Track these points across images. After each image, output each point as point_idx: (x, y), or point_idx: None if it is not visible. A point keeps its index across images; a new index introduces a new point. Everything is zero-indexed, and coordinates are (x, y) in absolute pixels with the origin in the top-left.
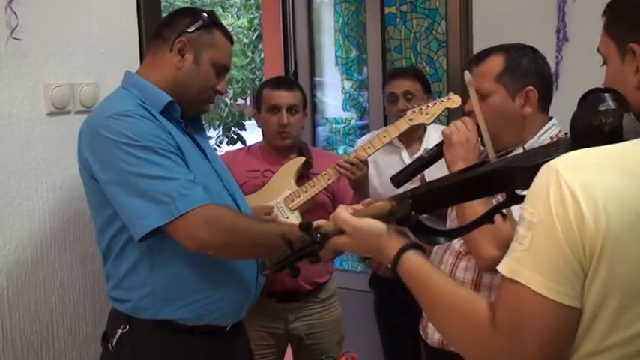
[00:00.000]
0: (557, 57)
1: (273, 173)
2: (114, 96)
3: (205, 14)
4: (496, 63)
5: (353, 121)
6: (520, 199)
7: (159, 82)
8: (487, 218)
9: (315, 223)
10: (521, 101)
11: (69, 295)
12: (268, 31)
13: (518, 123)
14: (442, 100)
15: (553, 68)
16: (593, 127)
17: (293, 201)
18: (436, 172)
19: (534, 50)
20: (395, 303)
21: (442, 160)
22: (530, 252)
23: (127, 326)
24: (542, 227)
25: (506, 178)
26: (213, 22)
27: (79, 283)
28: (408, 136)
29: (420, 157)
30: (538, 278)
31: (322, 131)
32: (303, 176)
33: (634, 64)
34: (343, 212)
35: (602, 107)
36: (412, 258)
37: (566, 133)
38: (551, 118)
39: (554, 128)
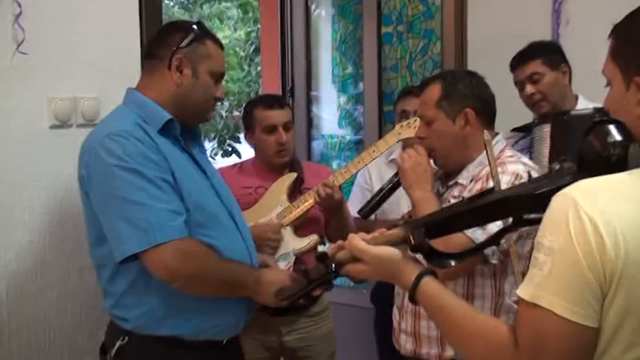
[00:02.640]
0: None
1: (266, 189)
2: (114, 114)
3: (195, 26)
4: (434, 91)
5: (348, 137)
6: (525, 223)
7: (160, 100)
8: (494, 240)
9: (326, 249)
10: (462, 123)
11: (66, 306)
12: (266, 45)
13: (462, 143)
14: None
15: None
16: (601, 158)
17: (286, 216)
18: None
19: (471, 73)
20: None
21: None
22: (552, 277)
23: (127, 338)
24: (563, 253)
25: (514, 204)
26: (203, 33)
27: (77, 294)
28: None
29: (381, 189)
30: (561, 302)
31: (317, 146)
32: (296, 191)
33: (638, 95)
34: (359, 242)
35: (610, 139)
36: (430, 283)
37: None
38: (497, 134)
39: (499, 144)
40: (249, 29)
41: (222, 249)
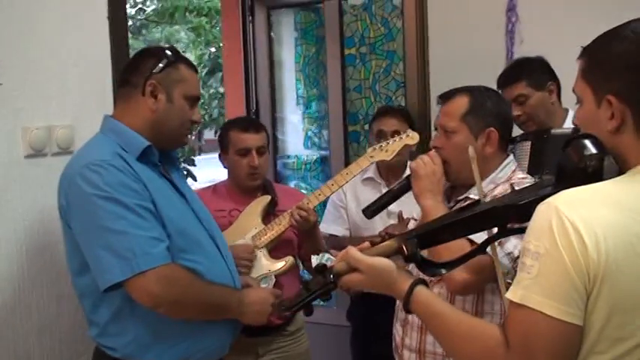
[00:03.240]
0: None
1: (240, 212)
2: (92, 143)
3: (167, 51)
4: (461, 103)
5: (313, 158)
6: (510, 232)
7: (136, 126)
8: (482, 249)
9: (326, 259)
10: (483, 141)
11: (46, 336)
12: (229, 68)
13: (480, 161)
14: (401, 138)
15: None
16: (579, 169)
17: (260, 238)
18: (408, 205)
19: (498, 94)
20: (372, 334)
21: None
22: (539, 279)
23: None
24: (549, 257)
25: (500, 214)
26: (176, 57)
27: (56, 323)
28: (388, 173)
29: (390, 190)
30: (549, 302)
31: (283, 168)
32: (270, 214)
33: (609, 111)
34: (356, 252)
35: (586, 152)
36: (423, 292)
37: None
38: (509, 156)
39: (511, 165)
40: (200, 52)
41: (205, 272)
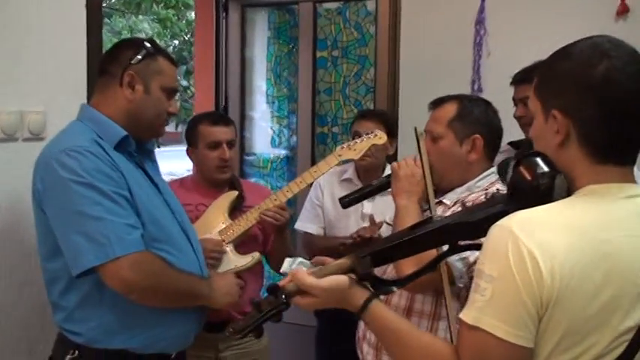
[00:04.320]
0: None
1: (207, 206)
2: (70, 129)
3: (147, 43)
4: (449, 110)
5: (281, 158)
6: (461, 249)
7: (113, 116)
8: (432, 266)
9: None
10: (468, 147)
11: (5, 321)
12: (200, 64)
13: (463, 167)
14: (368, 137)
15: None
16: (532, 187)
17: (227, 233)
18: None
19: (487, 103)
20: (338, 333)
21: (389, 201)
22: (492, 302)
23: (76, 352)
24: (503, 281)
25: (451, 232)
26: (156, 50)
27: (16, 309)
28: (366, 175)
29: (369, 184)
30: (500, 325)
31: (249, 166)
32: (237, 209)
33: (555, 126)
34: (307, 278)
35: (539, 170)
36: (377, 307)
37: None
38: (493, 166)
39: (493, 176)
40: (165, 44)
41: (175, 262)
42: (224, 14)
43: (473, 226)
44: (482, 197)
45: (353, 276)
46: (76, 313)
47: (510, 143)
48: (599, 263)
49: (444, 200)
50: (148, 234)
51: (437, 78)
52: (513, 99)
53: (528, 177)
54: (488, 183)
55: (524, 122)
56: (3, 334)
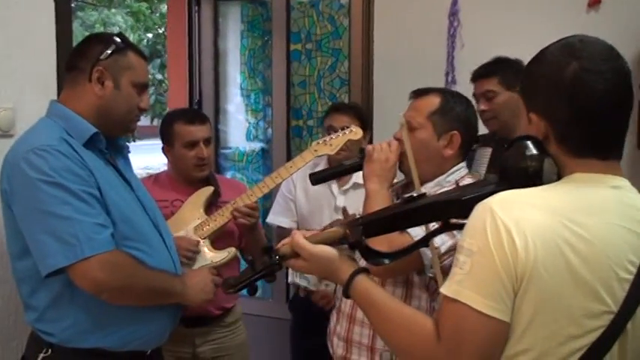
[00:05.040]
0: None
1: (182, 202)
2: (38, 127)
3: (116, 38)
4: (432, 102)
5: (256, 151)
6: (452, 227)
7: (83, 112)
8: (424, 242)
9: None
10: (445, 142)
11: None
12: (173, 57)
13: (437, 161)
14: (344, 133)
15: None
16: (520, 169)
17: (203, 229)
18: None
19: (469, 101)
20: (313, 328)
21: (362, 195)
22: (471, 275)
23: (50, 351)
24: (481, 255)
25: (443, 209)
26: (125, 44)
27: None
28: None
29: (341, 164)
30: (478, 298)
31: (224, 160)
32: (212, 205)
33: (534, 128)
34: (300, 238)
35: (528, 153)
36: (363, 281)
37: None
38: (463, 161)
39: (462, 170)
40: (139, 37)
41: (148, 260)
42: (196, 7)
43: (464, 203)
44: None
45: (345, 252)
46: (47, 313)
47: None
48: (575, 245)
49: (414, 194)
50: (118, 232)
51: (411, 70)
52: (474, 95)
53: (517, 159)
54: (458, 177)
55: (487, 117)
56: None
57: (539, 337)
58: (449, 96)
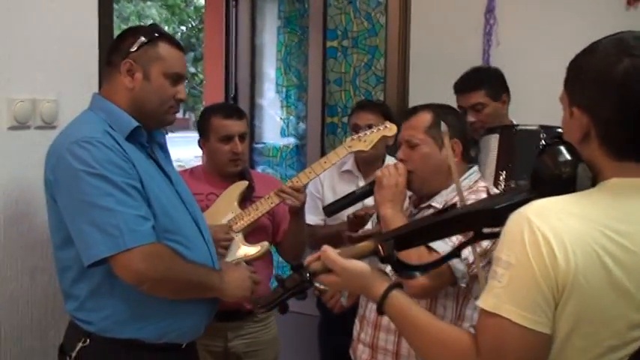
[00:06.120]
0: None
1: (217, 196)
2: (82, 119)
3: (146, 29)
4: (425, 118)
5: (290, 147)
6: (484, 236)
7: (122, 105)
8: (456, 252)
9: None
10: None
11: (17, 306)
12: (210, 52)
13: (444, 170)
14: (379, 129)
15: None
16: (553, 176)
17: (237, 223)
18: None
19: (456, 110)
20: (340, 326)
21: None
22: (509, 288)
23: (88, 340)
24: (520, 267)
25: (475, 219)
26: (156, 35)
27: (27, 294)
28: (366, 166)
29: (353, 192)
30: (517, 311)
31: (258, 155)
32: (246, 199)
33: (577, 122)
34: (332, 253)
35: (561, 159)
36: (397, 296)
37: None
38: (472, 166)
39: (475, 175)
40: (173, 30)
41: (186, 253)
42: (234, 3)
43: (496, 213)
44: (472, 197)
45: (377, 266)
46: (87, 303)
47: None
48: (616, 254)
49: (433, 204)
50: (159, 225)
51: (446, 68)
52: (459, 107)
53: (550, 165)
54: (472, 182)
55: (476, 127)
56: (15, 317)
57: (578, 348)
58: (438, 109)
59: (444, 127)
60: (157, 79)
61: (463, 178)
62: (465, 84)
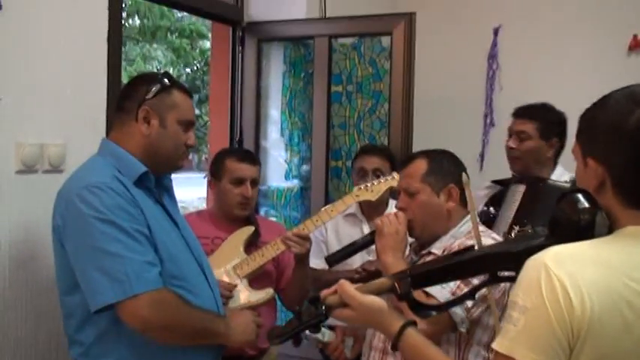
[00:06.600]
0: (483, 139)
1: (223, 240)
2: (91, 164)
3: (160, 77)
4: (420, 165)
5: (294, 190)
6: (500, 280)
7: (132, 151)
8: (470, 294)
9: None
10: (445, 198)
11: (21, 352)
12: (215, 95)
13: (443, 216)
14: (387, 179)
15: (479, 150)
16: (572, 222)
17: (242, 268)
18: None
19: (452, 154)
20: None
21: None
22: (524, 332)
23: None
24: (536, 311)
25: (492, 261)
26: (170, 83)
27: (33, 339)
28: (370, 210)
29: (354, 242)
30: (531, 355)
31: (263, 198)
32: (252, 244)
33: (591, 172)
34: (350, 288)
35: (580, 206)
36: (413, 334)
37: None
38: (469, 212)
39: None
40: (178, 72)
41: (192, 299)
42: (240, 47)
43: (513, 256)
44: (467, 243)
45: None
46: (92, 349)
47: (494, 181)
48: (632, 302)
49: (432, 250)
50: (165, 271)
51: (450, 113)
52: (509, 128)
53: (569, 212)
54: (470, 227)
55: (514, 155)
56: None
57: None
58: (434, 154)
59: (464, 177)
60: (172, 126)
61: (461, 224)
62: (522, 110)
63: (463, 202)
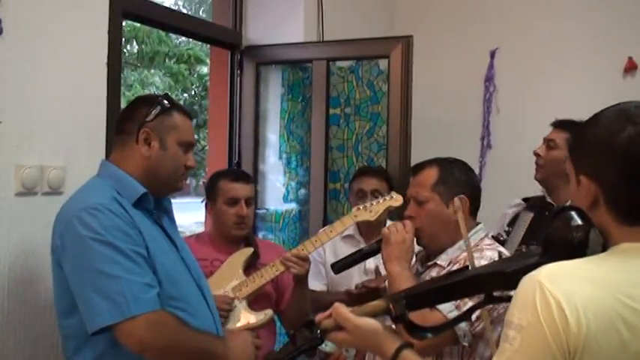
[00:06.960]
0: (480, 162)
1: (222, 262)
2: (90, 186)
3: (161, 99)
4: (431, 174)
5: (292, 213)
6: (495, 300)
7: (132, 172)
8: (467, 315)
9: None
10: (454, 208)
11: None
12: (214, 118)
13: (452, 227)
14: (385, 199)
15: (477, 172)
16: (566, 240)
17: (241, 290)
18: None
19: (464, 163)
20: None
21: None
22: (521, 351)
23: None
24: (532, 329)
25: (487, 281)
26: (171, 105)
27: None
28: (368, 232)
29: (360, 250)
30: None
31: (261, 221)
32: (251, 266)
33: (584, 190)
34: (344, 311)
35: (573, 223)
36: (409, 356)
37: (494, 236)
38: (478, 223)
39: (481, 232)
40: (176, 97)
41: (190, 320)
42: (238, 71)
43: (508, 276)
44: (489, 253)
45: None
46: None
47: (524, 199)
48: (628, 319)
49: (438, 262)
50: (164, 292)
51: (448, 135)
52: (545, 138)
53: (562, 230)
54: (478, 239)
55: (538, 163)
56: None
57: None
58: (445, 163)
59: (456, 202)
60: (172, 148)
61: (471, 234)
62: (560, 121)
63: (472, 213)
